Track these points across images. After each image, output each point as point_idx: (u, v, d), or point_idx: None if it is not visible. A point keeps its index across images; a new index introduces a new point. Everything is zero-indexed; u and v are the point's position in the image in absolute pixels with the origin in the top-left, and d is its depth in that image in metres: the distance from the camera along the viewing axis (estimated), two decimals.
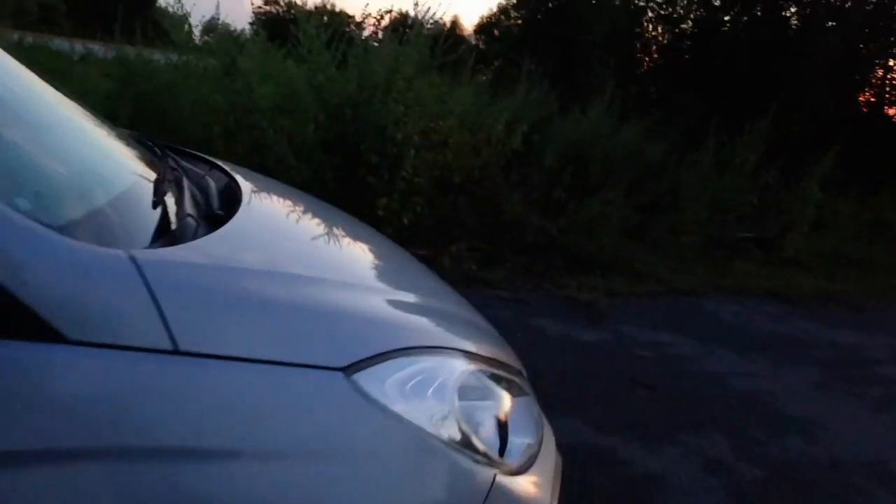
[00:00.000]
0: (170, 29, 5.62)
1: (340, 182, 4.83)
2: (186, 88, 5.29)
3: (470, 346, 1.27)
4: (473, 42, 19.10)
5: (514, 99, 6.97)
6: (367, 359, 1.01)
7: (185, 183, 1.36)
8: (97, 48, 9.86)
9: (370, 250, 1.72)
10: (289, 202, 1.83)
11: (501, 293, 4.59)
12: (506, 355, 1.41)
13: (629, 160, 6.88)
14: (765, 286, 5.60)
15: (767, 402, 3.34)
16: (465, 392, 1.13)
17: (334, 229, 1.70)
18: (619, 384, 3.29)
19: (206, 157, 1.86)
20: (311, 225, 1.71)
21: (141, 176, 1.36)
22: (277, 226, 1.57)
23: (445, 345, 1.20)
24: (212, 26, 7.31)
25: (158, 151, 1.60)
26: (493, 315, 4.12)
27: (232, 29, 7.60)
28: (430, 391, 1.07)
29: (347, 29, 6.17)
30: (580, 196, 5.95)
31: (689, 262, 5.80)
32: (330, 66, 5.07)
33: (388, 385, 1.01)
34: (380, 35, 5.86)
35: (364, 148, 4.76)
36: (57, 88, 1.53)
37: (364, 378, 0.98)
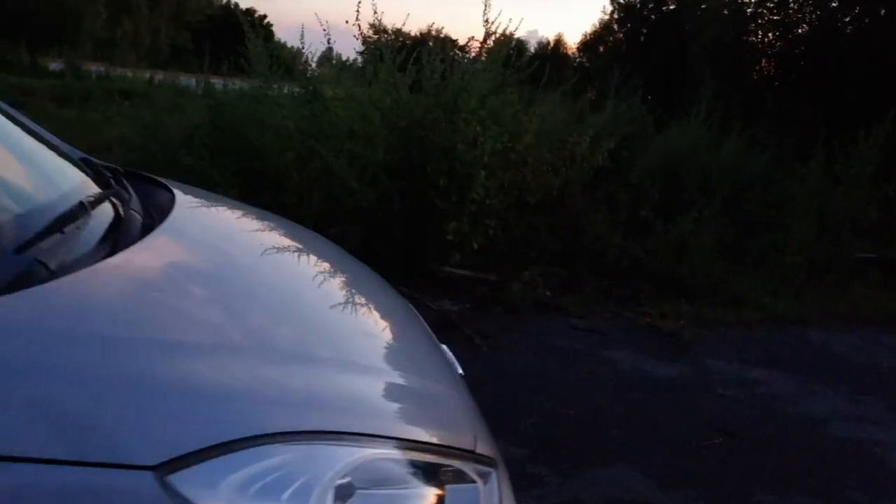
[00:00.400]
0: (252, 60, 5.71)
1: (407, 206, 4.70)
2: (263, 116, 5.34)
3: (387, 428, 0.99)
4: (577, 60, 18.79)
5: (602, 114, 6.64)
6: (196, 452, 0.76)
7: (82, 216, 1.18)
8: (218, 83, 10.56)
9: (306, 294, 1.39)
10: (224, 235, 1.57)
11: (575, 321, 4.27)
12: (454, 434, 1.11)
13: (729, 174, 6.37)
14: (886, 313, 4.94)
15: (875, 455, 2.85)
16: (376, 483, 0.90)
17: (264, 269, 1.42)
18: (692, 428, 2.91)
19: (166, 181, 1.70)
20: (229, 265, 1.39)
21: (29, 211, 1.17)
22: (174, 267, 1.24)
23: (337, 428, 0.91)
24: (326, 58, 7.46)
25: (112, 180, 1.47)
26: (562, 346, 3.84)
27: (345, 59, 7.67)
28: (288, 493, 0.81)
29: (452, 54, 5.97)
30: (672, 214, 5.52)
31: (794, 285, 5.22)
32: (402, 87, 4.98)
33: (224, 487, 0.77)
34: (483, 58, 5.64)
35: (431, 170, 4.61)
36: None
37: (186, 479, 0.75)
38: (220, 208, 1.77)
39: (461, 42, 5.99)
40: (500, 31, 5.06)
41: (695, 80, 10.43)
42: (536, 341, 3.89)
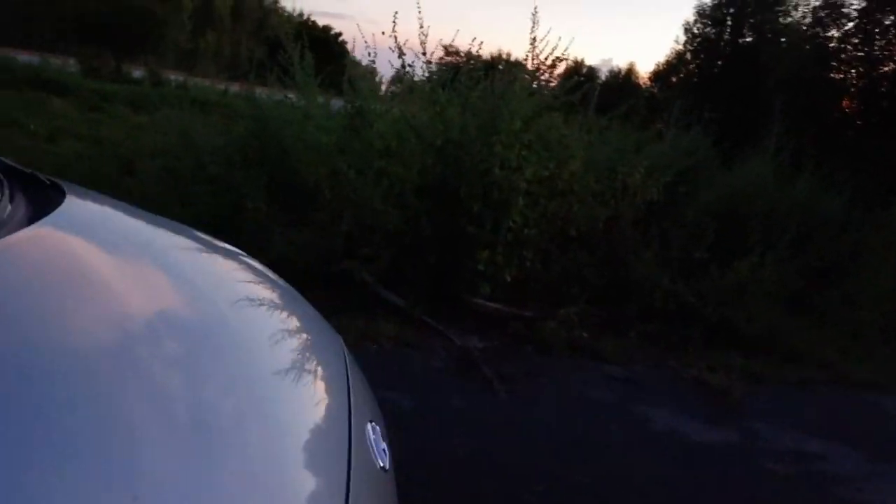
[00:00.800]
0: (295, 74, 5.54)
1: (437, 230, 4.40)
2: (297, 128, 5.16)
3: None
4: (648, 90, 18.37)
5: (660, 145, 6.24)
6: None
7: None
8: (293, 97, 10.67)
9: (185, 329, 1.01)
10: (100, 246, 1.17)
11: (611, 369, 3.86)
12: None
13: (798, 215, 5.83)
14: None
15: None
16: None
17: (142, 291, 1.05)
18: None
19: (67, 186, 1.36)
20: (86, 283, 1.00)
21: None
22: None
23: None
24: (399, 77, 7.35)
25: None
26: (592, 398, 3.45)
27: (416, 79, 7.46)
28: None
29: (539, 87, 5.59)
30: (730, 256, 5.04)
31: (867, 343, 4.67)
32: (448, 105, 4.71)
33: None
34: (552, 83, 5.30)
35: (464, 194, 4.30)
36: None
37: None
38: (115, 215, 1.41)
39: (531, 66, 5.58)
40: (551, 52, 4.75)
41: (768, 114, 9.93)
42: (563, 389, 3.50)
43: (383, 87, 6.62)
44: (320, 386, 1.11)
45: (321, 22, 52.66)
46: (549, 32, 4.60)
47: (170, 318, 1.03)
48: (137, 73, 25.10)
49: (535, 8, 4.51)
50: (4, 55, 19.25)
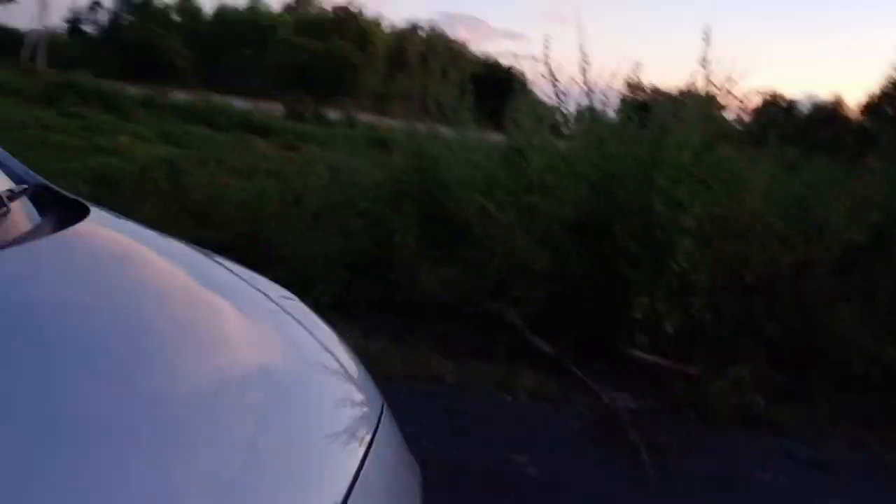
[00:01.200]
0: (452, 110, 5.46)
1: (589, 272, 4.01)
2: (450, 164, 5.04)
3: None
4: (858, 123, 16.70)
5: (868, 181, 5.36)
6: None
7: None
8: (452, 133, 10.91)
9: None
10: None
11: (793, 446, 3.22)
12: None
13: None
14: None
15: None
16: None
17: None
18: None
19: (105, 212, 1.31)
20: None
21: None
22: None
23: None
24: (582, 114, 7.19)
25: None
26: (765, 483, 2.85)
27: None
28: None
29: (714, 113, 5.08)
30: None
31: None
32: (606, 135, 4.36)
33: None
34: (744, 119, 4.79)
35: (621, 232, 3.88)
36: None
37: None
38: (135, 230, 1.34)
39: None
40: (730, 76, 4.23)
41: None
42: (728, 468, 2.94)
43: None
44: (304, 478, 0.84)
45: (507, 63, 53.84)
46: (724, 54, 4.09)
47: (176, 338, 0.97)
48: (334, 115, 27.06)
49: (708, 26, 4.03)
50: (223, 102, 21.59)
